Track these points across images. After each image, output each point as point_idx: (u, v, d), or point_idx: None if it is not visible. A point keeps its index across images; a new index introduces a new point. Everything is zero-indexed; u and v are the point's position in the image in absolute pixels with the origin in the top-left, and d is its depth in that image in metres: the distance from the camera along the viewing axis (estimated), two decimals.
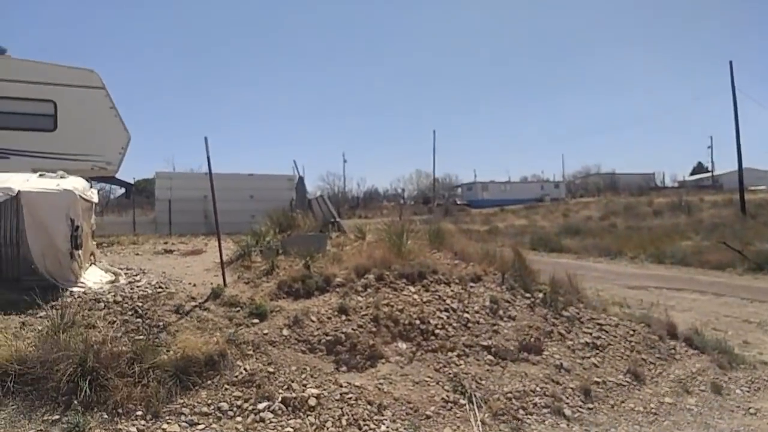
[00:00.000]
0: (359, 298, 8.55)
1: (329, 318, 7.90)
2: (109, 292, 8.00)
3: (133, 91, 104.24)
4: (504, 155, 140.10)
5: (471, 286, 9.52)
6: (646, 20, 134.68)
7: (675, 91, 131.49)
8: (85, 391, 5.57)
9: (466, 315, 8.55)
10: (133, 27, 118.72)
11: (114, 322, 7.02)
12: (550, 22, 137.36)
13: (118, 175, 17.39)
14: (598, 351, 8.39)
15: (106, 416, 5.53)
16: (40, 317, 6.92)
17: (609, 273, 18.06)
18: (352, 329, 7.70)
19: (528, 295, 9.63)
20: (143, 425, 5.53)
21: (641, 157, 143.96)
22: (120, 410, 5.61)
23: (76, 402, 5.52)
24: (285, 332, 7.44)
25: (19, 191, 7.95)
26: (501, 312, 8.85)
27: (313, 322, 7.74)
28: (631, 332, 9.08)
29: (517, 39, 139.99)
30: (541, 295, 9.64)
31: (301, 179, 23.97)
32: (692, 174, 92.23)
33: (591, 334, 8.80)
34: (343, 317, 7.95)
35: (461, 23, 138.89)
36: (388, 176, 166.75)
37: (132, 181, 35.38)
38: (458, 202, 71.46)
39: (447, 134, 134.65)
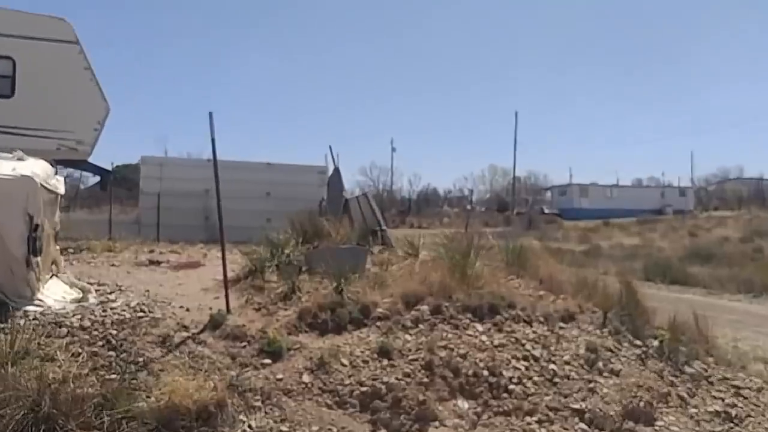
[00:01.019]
0: (407, 337, 8.52)
1: (366, 362, 7.87)
2: (74, 315, 8.14)
3: (114, 52, 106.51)
4: (611, 151, 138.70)
5: (561, 327, 9.39)
6: None
7: None
8: None
9: (552, 366, 8.42)
10: None
11: (79, 354, 7.11)
12: None
13: (91, 159, 17.72)
14: (733, 424, 8.11)
15: None
16: None
17: (751, 316, 17.56)
18: (397, 379, 7.65)
19: (638, 342, 9.44)
20: None
21: None
22: None
23: None
24: (306, 378, 7.45)
25: None
26: (600, 364, 8.67)
27: (344, 366, 7.73)
28: None
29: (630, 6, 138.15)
30: (656, 343, 9.44)
31: (336, 171, 23.68)
32: None
33: (723, 399, 8.55)
34: (385, 362, 7.91)
35: None
36: (450, 172, 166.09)
37: (110, 168, 35.90)
38: (546, 211, 70.91)
39: (534, 122, 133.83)
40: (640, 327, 9.83)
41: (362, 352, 8.04)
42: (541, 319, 9.49)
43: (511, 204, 76.37)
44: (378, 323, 8.82)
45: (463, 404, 7.65)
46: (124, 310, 8.55)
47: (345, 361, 7.81)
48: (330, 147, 21.05)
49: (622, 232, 48.06)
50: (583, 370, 8.51)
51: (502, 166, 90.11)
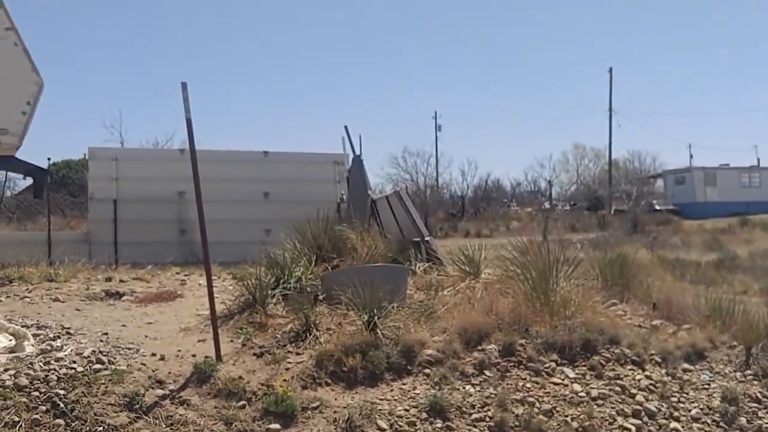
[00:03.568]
0: (469, 389, 8.57)
1: (412, 424, 7.94)
2: (5, 370, 8.24)
3: (50, 19, 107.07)
4: (748, 119, 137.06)
5: (686, 370, 9.42)
6: None
7: None
8: None
9: (674, 425, 8.45)
10: None
11: (15, 424, 7.22)
12: None
13: (20, 154, 17.82)
14: None
15: None
16: None
17: None
18: None
19: None
20: None
21: None
22: None
23: None
24: None
25: None
26: (744, 420, 8.68)
27: (383, 430, 7.80)
28: None
29: None
30: None
31: (358, 161, 23.38)
32: None
33: None
34: (439, 423, 7.97)
35: None
36: (520, 157, 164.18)
37: (46, 166, 35.79)
38: (658, 207, 70.46)
39: (635, 82, 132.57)
40: None
41: (406, 410, 8.10)
42: (658, 359, 9.52)
43: (607, 199, 75.71)
44: (427, 370, 8.87)
45: None
46: (74, 362, 8.59)
47: (383, 424, 7.86)
48: (346, 128, 20.61)
49: (766, 233, 47.56)
50: (719, 429, 8.51)
51: (592, 146, 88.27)
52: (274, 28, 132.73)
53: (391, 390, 8.52)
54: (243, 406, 7.96)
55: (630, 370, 9.22)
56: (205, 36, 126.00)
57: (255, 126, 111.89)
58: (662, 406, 8.67)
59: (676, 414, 8.61)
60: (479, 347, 9.24)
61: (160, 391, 8.09)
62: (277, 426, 7.72)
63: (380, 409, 8.04)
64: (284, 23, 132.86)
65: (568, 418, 8.22)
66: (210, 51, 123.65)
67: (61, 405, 7.63)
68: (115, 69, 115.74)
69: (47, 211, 28.49)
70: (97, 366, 8.51)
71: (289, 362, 9.02)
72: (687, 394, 8.96)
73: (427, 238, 16.70)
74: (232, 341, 9.63)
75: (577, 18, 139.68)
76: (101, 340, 9.63)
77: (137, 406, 7.77)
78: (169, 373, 8.52)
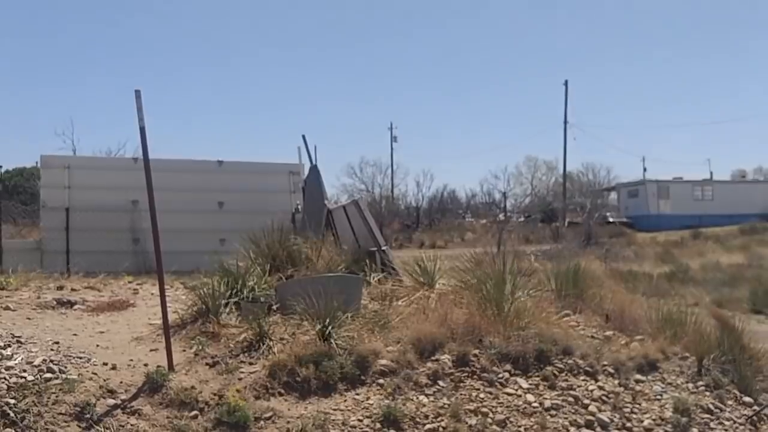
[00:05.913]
0: (423, 399, 8.56)
1: None
2: None
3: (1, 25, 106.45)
4: (700, 132, 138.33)
5: (638, 381, 9.47)
6: None
7: None
8: None
9: None
10: None
11: None
12: None
13: None
14: None
15: None
16: None
17: None
18: None
19: (747, 399, 9.52)
20: None
21: None
22: None
23: None
24: None
25: None
26: (696, 431, 8.74)
27: None
28: None
29: None
30: None
31: (314, 170, 23.24)
32: None
33: None
34: None
35: None
36: (475, 169, 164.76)
37: None
38: (611, 219, 70.84)
39: (589, 95, 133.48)
40: (749, 378, 9.86)
41: (360, 420, 8.08)
42: (610, 369, 9.56)
43: (561, 211, 75.97)
44: (381, 380, 8.86)
45: None
46: (24, 371, 8.51)
47: None
48: (304, 137, 20.40)
49: (718, 246, 47.98)
50: None
51: (545, 159, 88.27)
52: (229, 35, 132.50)
53: (345, 400, 8.49)
54: (195, 416, 7.91)
55: (583, 380, 9.26)
56: (157, 42, 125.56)
57: (209, 135, 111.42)
58: (615, 417, 8.71)
59: (628, 425, 8.65)
60: (433, 357, 9.25)
61: (111, 401, 8.02)
62: None
63: (333, 420, 8.02)
64: (240, 31, 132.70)
65: (522, 429, 8.24)
66: (163, 58, 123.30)
67: (11, 414, 7.55)
68: (67, 76, 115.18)
69: None
70: (48, 375, 8.42)
71: (242, 372, 8.97)
72: (639, 404, 9.01)
73: (383, 248, 16.69)
74: (184, 351, 9.56)
75: (533, 31, 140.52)
76: (52, 349, 9.51)
77: (88, 415, 7.69)
78: (121, 382, 8.44)
